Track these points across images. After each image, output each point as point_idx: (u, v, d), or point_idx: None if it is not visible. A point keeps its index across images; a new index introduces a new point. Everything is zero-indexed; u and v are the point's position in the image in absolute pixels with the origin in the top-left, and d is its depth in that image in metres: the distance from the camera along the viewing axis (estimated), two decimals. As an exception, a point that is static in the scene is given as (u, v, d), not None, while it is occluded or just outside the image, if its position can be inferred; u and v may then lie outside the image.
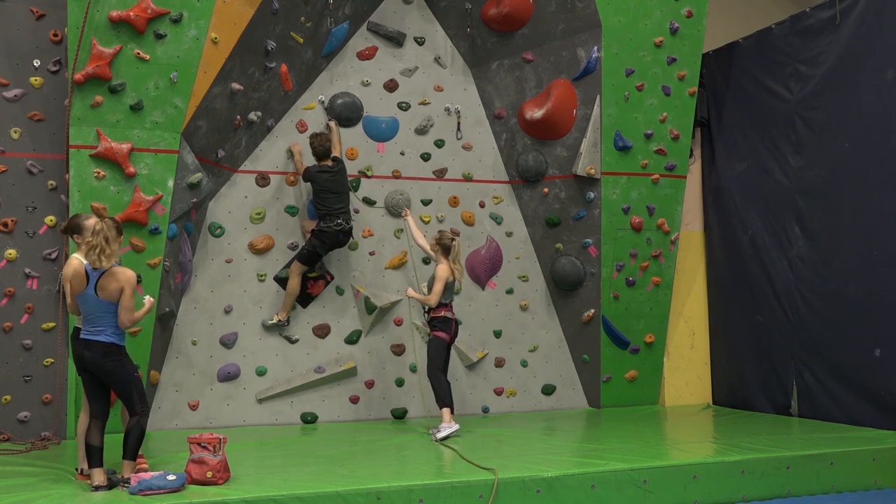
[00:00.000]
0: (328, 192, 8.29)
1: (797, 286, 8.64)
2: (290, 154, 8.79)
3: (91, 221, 5.79)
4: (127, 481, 5.54)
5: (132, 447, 5.66)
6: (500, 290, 9.54)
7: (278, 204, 8.78)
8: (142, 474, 5.45)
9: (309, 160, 8.62)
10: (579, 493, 5.96)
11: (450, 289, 7.63)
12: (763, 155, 9.11)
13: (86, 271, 5.58)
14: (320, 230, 8.32)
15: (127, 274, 5.59)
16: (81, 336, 5.64)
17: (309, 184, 8.44)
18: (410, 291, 7.83)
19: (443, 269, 7.56)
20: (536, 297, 9.64)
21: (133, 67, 7.27)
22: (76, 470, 5.95)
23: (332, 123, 8.86)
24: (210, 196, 8.38)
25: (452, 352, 8.02)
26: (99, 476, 5.56)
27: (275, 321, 8.53)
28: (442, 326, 7.59)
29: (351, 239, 8.67)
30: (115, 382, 5.69)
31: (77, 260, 5.67)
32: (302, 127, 8.92)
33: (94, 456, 5.60)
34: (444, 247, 7.66)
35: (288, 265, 8.66)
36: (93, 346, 5.58)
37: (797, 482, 6.53)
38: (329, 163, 8.36)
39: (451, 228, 9.24)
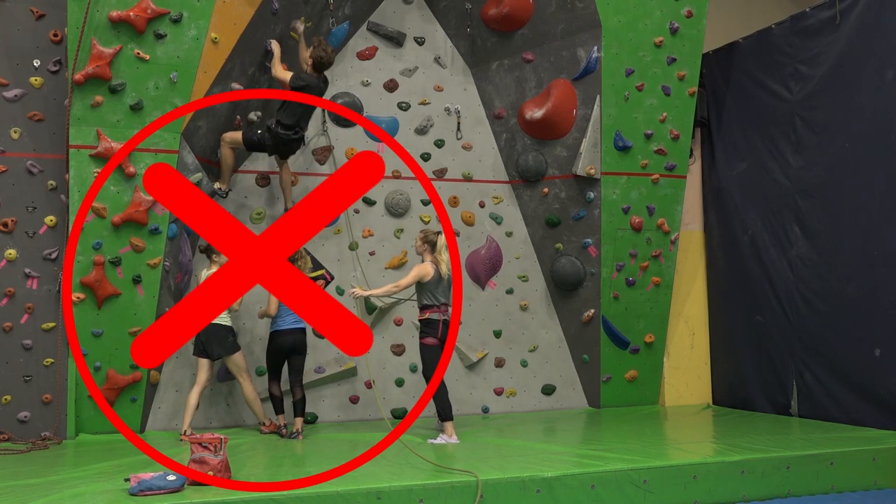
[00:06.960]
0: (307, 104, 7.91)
1: (797, 286, 8.64)
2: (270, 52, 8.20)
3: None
4: (294, 434, 7.61)
5: (301, 408, 7.71)
6: (500, 290, 9.54)
7: (278, 204, 8.77)
8: (142, 474, 5.45)
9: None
10: (579, 493, 5.95)
11: (433, 287, 7.37)
12: (763, 155, 9.10)
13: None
14: (277, 130, 7.87)
15: None
16: (290, 327, 7.59)
17: (288, 87, 7.81)
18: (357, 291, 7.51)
19: (416, 269, 7.35)
20: (536, 297, 9.64)
21: (133, 67, 7.27)
22: (260, 425, 7.89)
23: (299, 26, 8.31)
24: (210, 196, 8.37)
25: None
26: (282, 419, 7.79)
27: (216, 187, 8.23)
28: (428, 331, 7.35)
29: (352, 241, 8.67)
30: (303, 356, 7.79)
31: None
32: (302, 127, 8.92)
33: (279, 403, 7.75)
34: (431, 243, 7.49)
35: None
36: (299, 333, 7.66)
37: (797, 482, 6.52)
38: (318, 75, 8.01)
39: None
